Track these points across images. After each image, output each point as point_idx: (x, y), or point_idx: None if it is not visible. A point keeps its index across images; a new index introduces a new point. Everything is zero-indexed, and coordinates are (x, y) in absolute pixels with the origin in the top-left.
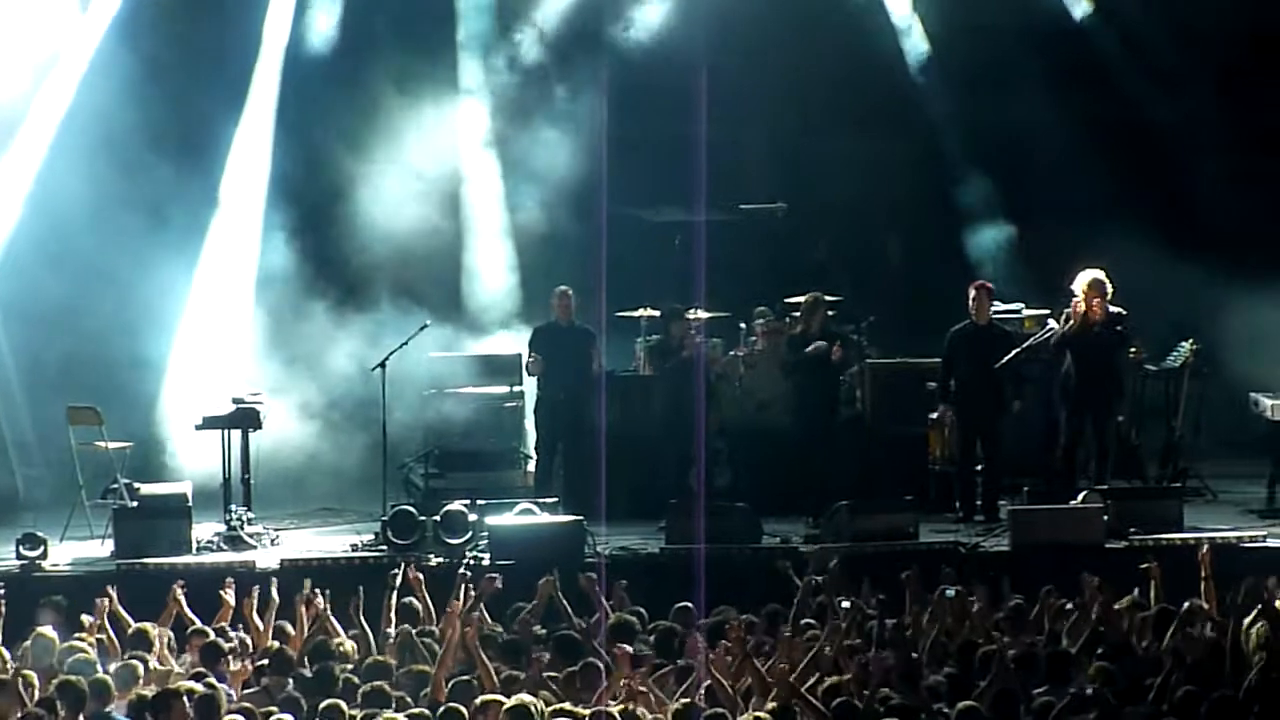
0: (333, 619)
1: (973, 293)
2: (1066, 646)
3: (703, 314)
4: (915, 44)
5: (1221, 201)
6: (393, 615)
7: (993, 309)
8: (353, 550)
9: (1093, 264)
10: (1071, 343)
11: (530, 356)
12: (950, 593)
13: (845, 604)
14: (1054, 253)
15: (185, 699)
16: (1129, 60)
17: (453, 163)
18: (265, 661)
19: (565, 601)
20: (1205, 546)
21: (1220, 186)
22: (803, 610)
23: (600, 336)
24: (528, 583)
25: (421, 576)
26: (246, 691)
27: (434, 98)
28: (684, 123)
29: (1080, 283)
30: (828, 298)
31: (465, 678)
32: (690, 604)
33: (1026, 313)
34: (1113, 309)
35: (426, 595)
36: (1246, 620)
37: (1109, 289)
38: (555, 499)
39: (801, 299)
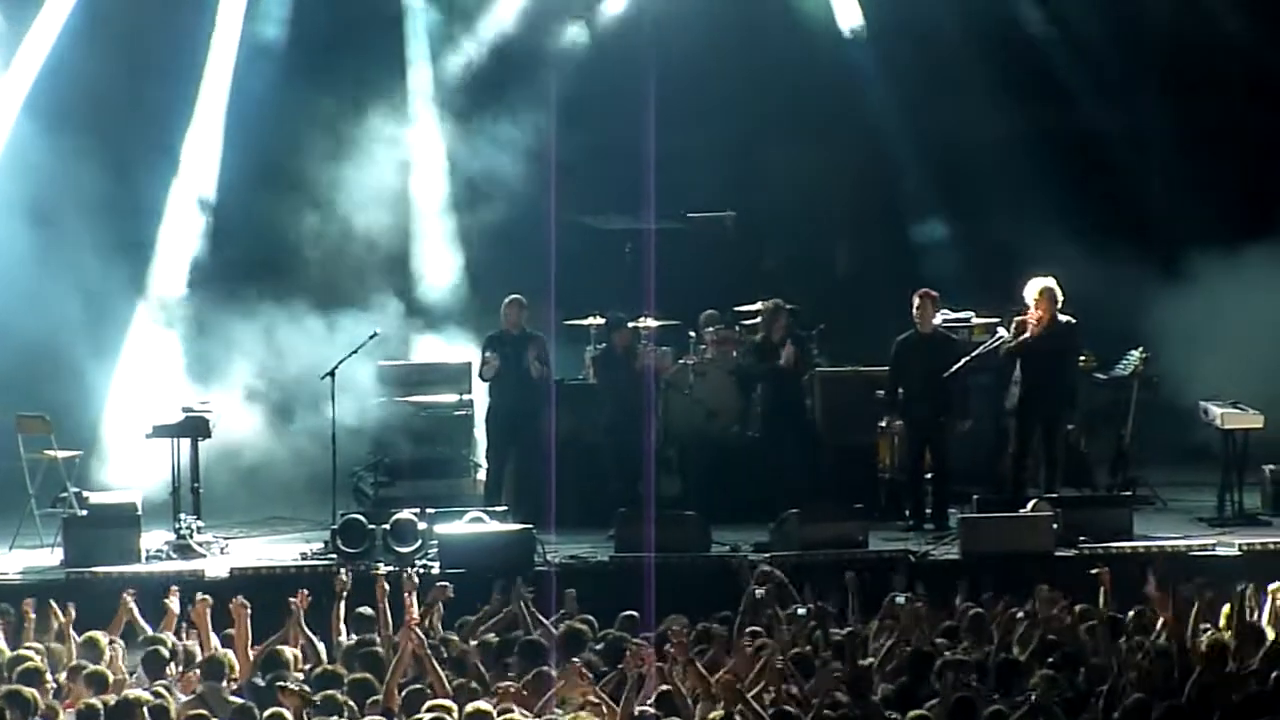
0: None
1: (918, 301)
2: (1017, 655)
3: (651, 322)
4: (862, 50)
5: (1170, 207)
6: (343, 624)
7: (942, 317)
8: (302, 559)
9: (1043, 272)
10: (1022, 351)
11: (486, 356)
12: (900, 600)
13: (801, 610)
14: (1003, 260)
15: (144, 709)
16: (1075, 65)
17: (403, 169)
18: (210, 669)
19: (529, 610)
20: (1156, 557)
21: (1170, 192)
22: (745, 620)
23: (551, 343)
24: (478, 591)
25: (388, 587)
26: (189, 699)
27: (384, 103)
28: (632, 131)
29: (1031, 291)
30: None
31: (417, 686)
32: (635, 613)
33: (975, 321)
34: (1063, 318)
35: (387, 606)
36: (1198, 628)
37: (1059, 297)
38: (505, 507)
39: (752, 307)
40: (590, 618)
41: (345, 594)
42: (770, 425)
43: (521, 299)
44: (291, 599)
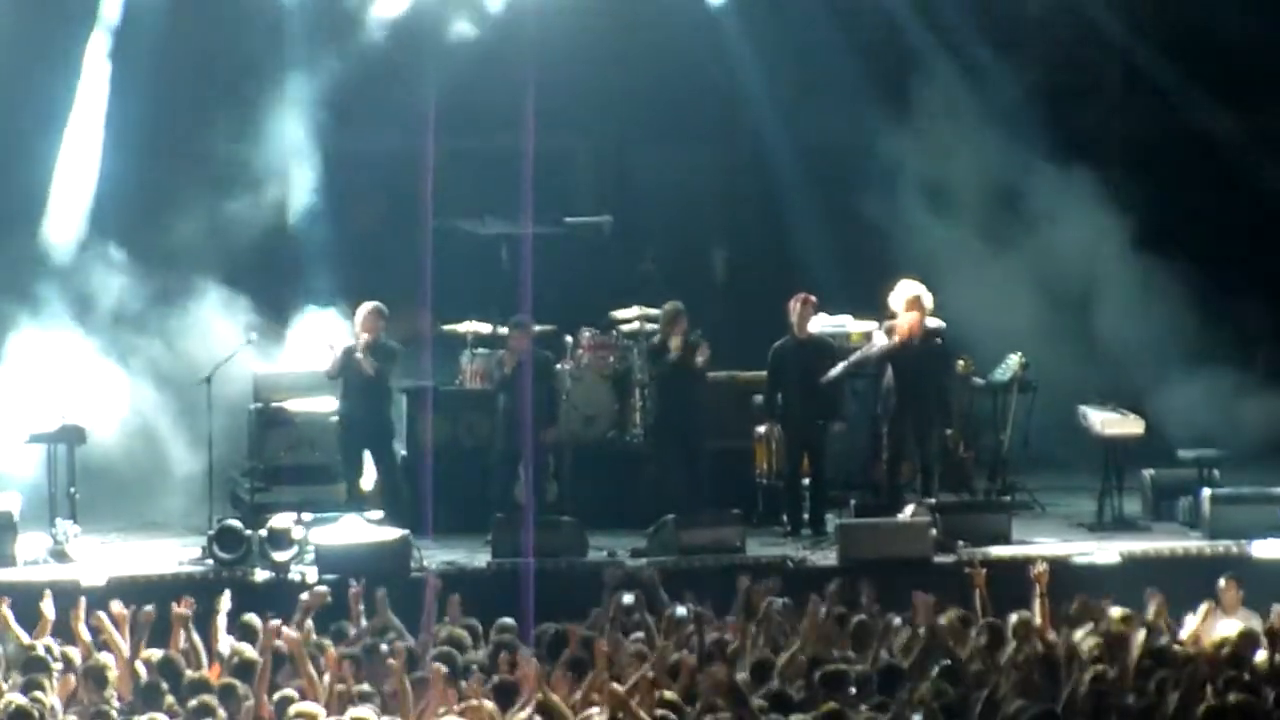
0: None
1: (795, 306)
2: (898, 662)
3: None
4: (738, 51)
5: (1048, 208)
6: (220, 635)
7: (819, 322)
8: (179, 565)
9: (914, 276)
10: (892, 357)
11: (331, 352)
12: (778, 605)
13: (681, 610)
14: (879, 265)
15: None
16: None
17: (279, 171)
18: (91, 676)
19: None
20: (1040, 564)
21: (1052, 192)
22: (611, 625)
23: (427, 350)
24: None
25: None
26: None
27: (260, 101)
28: (510, 135)
29: (897, 297)
30: (653, 311)
31: (289, 692)
32: (511, 619)
33: (852, 326)
34: (931, 323)
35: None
36: (1078, 634)
37: (927, 302)
38: (382, 513)
39: (630, 312)
40: (474, 622)
41: (222, 609)
42: (657, 429)
43: (380, 307)
44: (176, 604)
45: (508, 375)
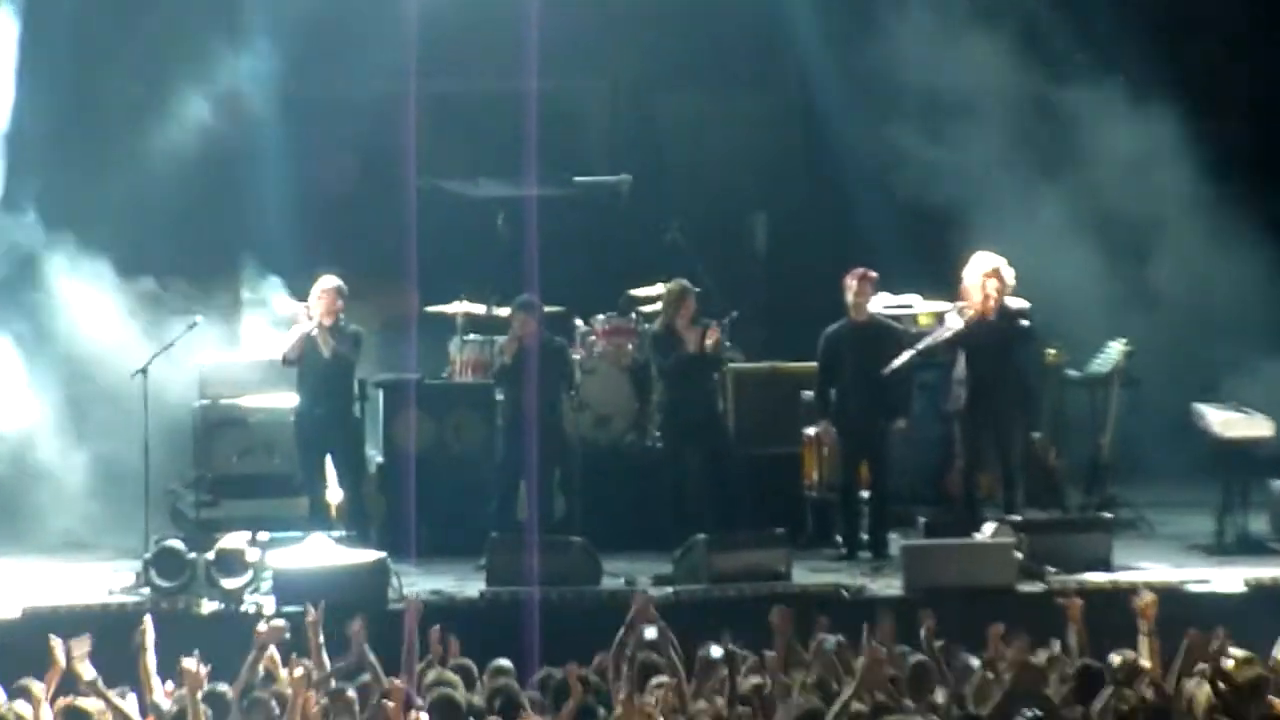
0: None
1: (852, 283)
2: (974, 710)
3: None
4: None
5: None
6: (153, 681)
7: (881, 302)
8: (109, 595)
9: (994, 248)
10: (964, 341)
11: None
12: (831, 644)
13: (716, 651)
14: (956, 236)
15: None
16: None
17: (230, 122)
18: None
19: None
20: (1147, 594)
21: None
22: (628, 665)
23: (409, 336)
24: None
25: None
26: None
27: (207, 36)
28: (508, 78)
29: (972, 270)
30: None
31: None
32: (508, 660)
33: (921, 306)
34: (1013, 302)
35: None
36: (1193, 680)
37: (1009, 277)
38: (353, 531)
39: (651, 290)
40: (467, 663)
41: (147, 646)
42: (673, 433)
43: (336, 284)
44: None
45: (509, 365)
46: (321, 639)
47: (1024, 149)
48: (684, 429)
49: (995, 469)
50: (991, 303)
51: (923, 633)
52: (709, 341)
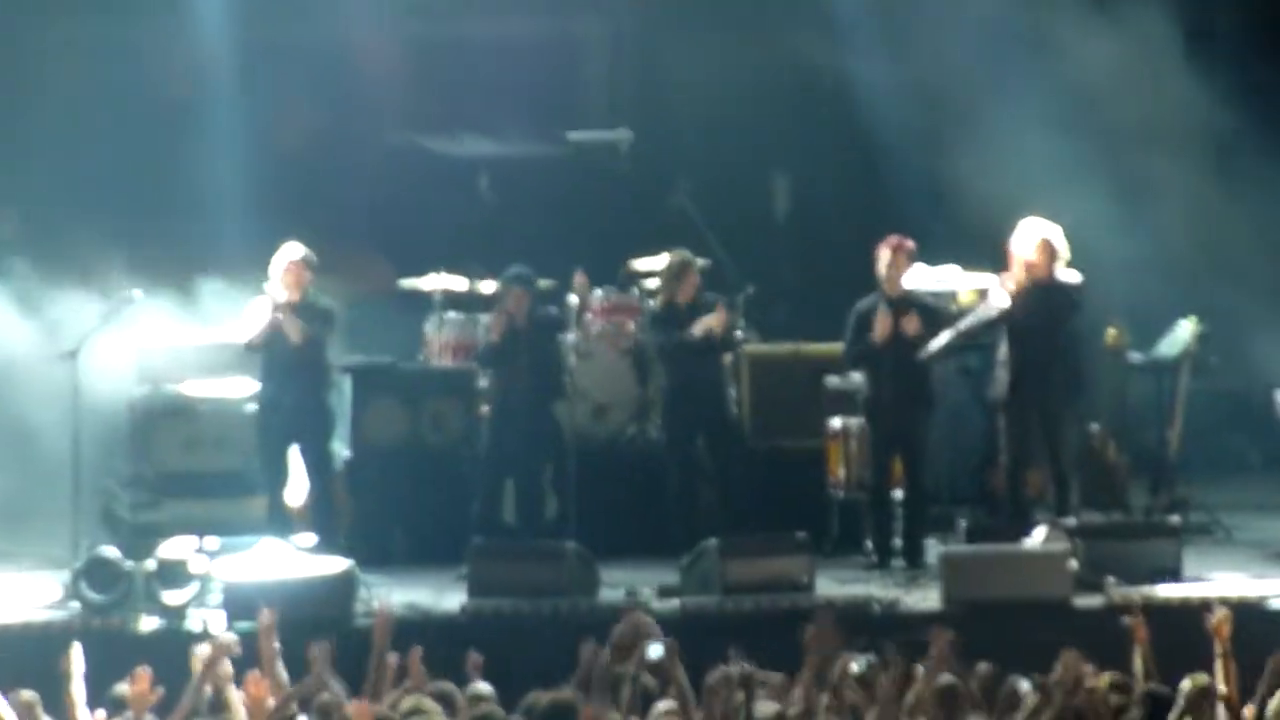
0: None
1: (885, 254)
2: None
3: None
4: None
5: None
6: (78, 714)
7: (916, 275)
8: (32, 612)
9: (1042, 215)
10: (1009, 321)
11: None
12: (857, 665)
13: (733, 670)
14: (1002, 203)
15: None
16: None
17: (175, 70)
18: None
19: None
20: (1221, 610)
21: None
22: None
23: (381, 314)
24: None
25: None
26: None
27: None
28: (493, 19)
29: (1022, 240)
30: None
31: None
32: (488, 686)
33: (962, 281)
34: (1064, 274)
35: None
36: (1273, 705)
37: (1061, 248)
38: (315, 537)
39: (654, 261)
40: (448, 686)
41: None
42: (676, 425)
43: (307, 255)
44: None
45: (496, 346)
46: (277, 646)
47: (1083, 105)
48: (688, 420)
49: (1045, 465)
50: (1036, 275)
51: (933, 652)
52: (716, 322)
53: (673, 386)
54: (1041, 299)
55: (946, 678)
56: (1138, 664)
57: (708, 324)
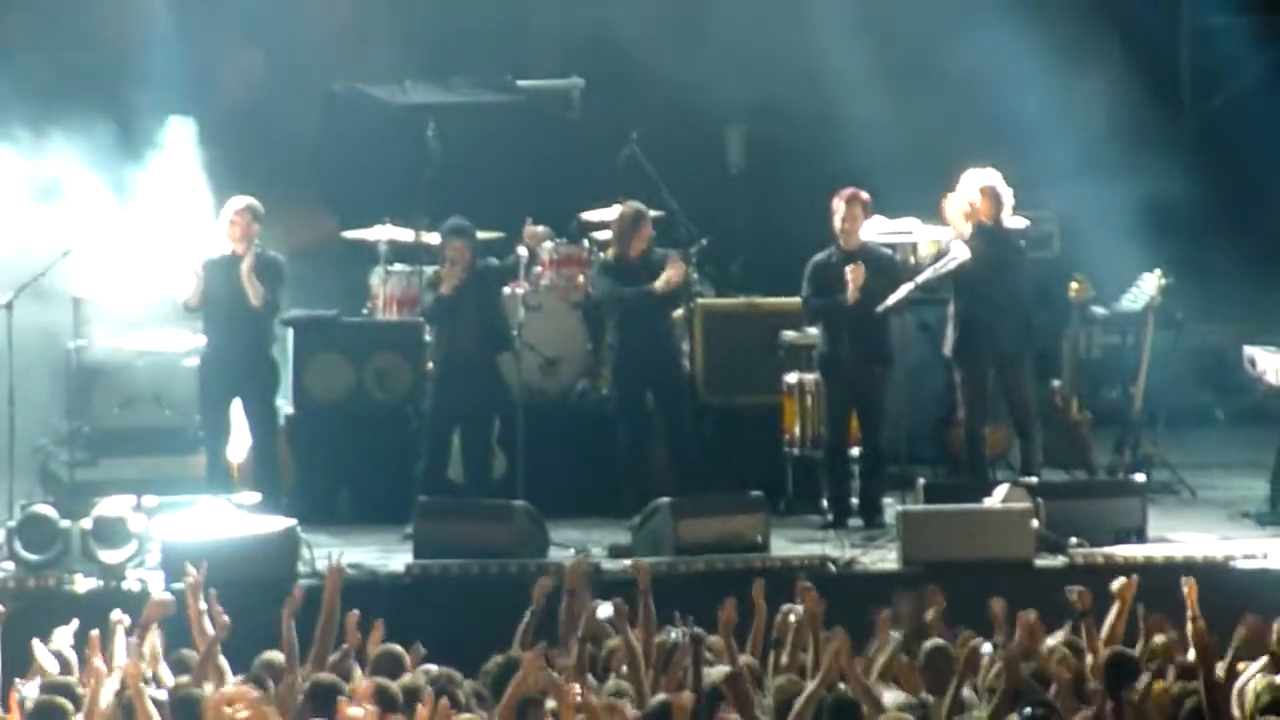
0: None
1: (840, 206)
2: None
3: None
4: None
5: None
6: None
7: (873, 228)
8: None
9: (987, 164)
10: (958, 273)
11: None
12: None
13: (674, 633)
14: (962, 151)
15: None
16: None
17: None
18: None
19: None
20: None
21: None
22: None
23: (324, 266)
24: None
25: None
26: None
27: None
28: None
29: (962, 188)
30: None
31: None
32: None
33: (922, 233)
34: (1011, 221)
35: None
36: (1244, 677)
37: (1005, 196)
38: (258, 495)
39: (606, 213)
40: (395, 649)
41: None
42: (624, 380)
43: (253, 205)
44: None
45: (447, 299)
46: (203, 606)
47: (1044, 49)
48: (637, 376)
49: (1005, 421)
50: (980, 218)
51: (929, 616)
52: (675, 275)
53: (622, 342)
54: (986, 246)
55: (935, 641)
56: (1109, 624)
57: (669, 278)
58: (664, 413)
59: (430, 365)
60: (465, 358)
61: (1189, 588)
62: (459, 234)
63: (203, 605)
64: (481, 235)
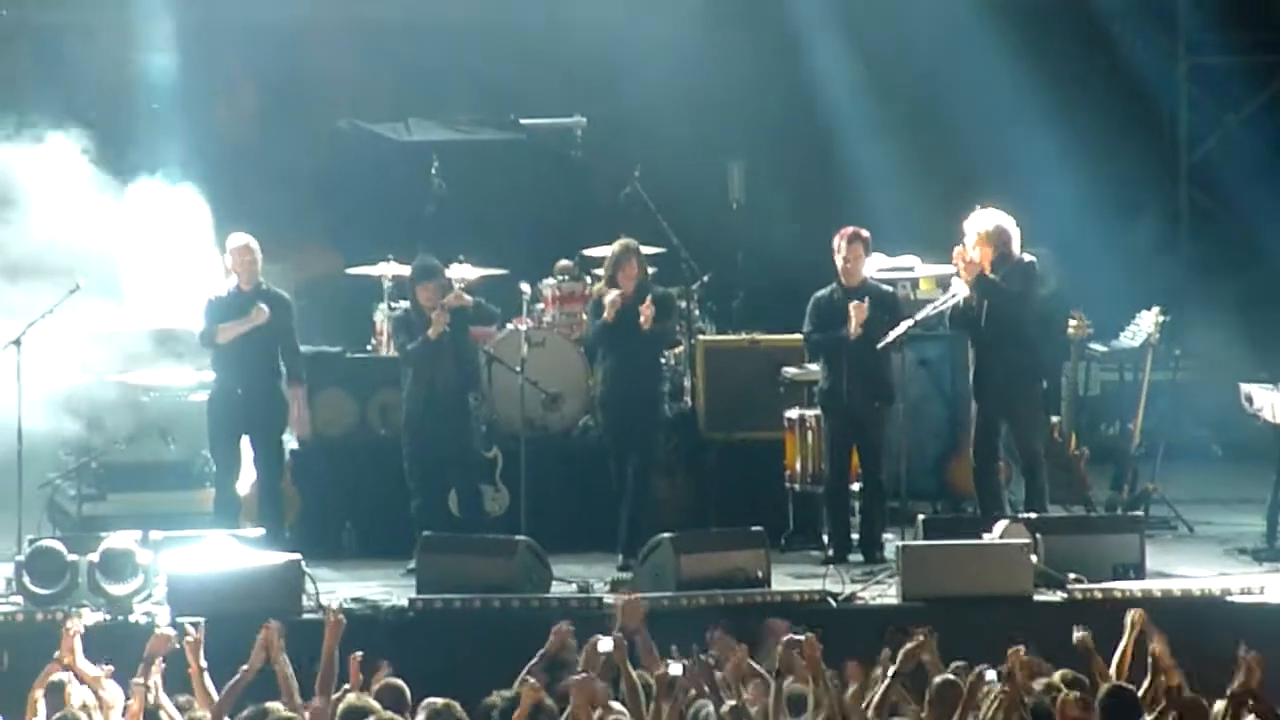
0: None
1: (841, 244)
2: None
3: (467, 272)
4: None
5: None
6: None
7: (874, 265)
8: None
9: (997, 204)
10: (962, 310)
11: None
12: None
13: (675, 669)
14: (965, 190)
15: None
16: None
17: (118, 51)
18: None
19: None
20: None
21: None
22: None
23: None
24: (224, 646)
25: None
26: None
27: None
28: (446, 4)
29: (971, 227)
30: (645, 248)
31: None
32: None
33: (923, 270)
34: (1014, 259)
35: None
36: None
37: (1014, 236)
38: (263, 530)
39: (608, 250)
40: (398, 683)
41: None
42: (607, 416)
43: (250, 242)
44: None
45: (433, 343)
46: (204, 664)
47: (1043, 87)
48: (615, 413)
49: (1010, 458)
50: (985, 265)
51: (925, 658)
52: (642, 318)
53: (602, 379)
54: (992, 285)
55: (944, 675)
56: (1115, 658)
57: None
58: (635, 455)
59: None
60: (448, 398)
61: (1135, 616)
62: (430, 276)
63: (204, 663)
64: (485, 272)
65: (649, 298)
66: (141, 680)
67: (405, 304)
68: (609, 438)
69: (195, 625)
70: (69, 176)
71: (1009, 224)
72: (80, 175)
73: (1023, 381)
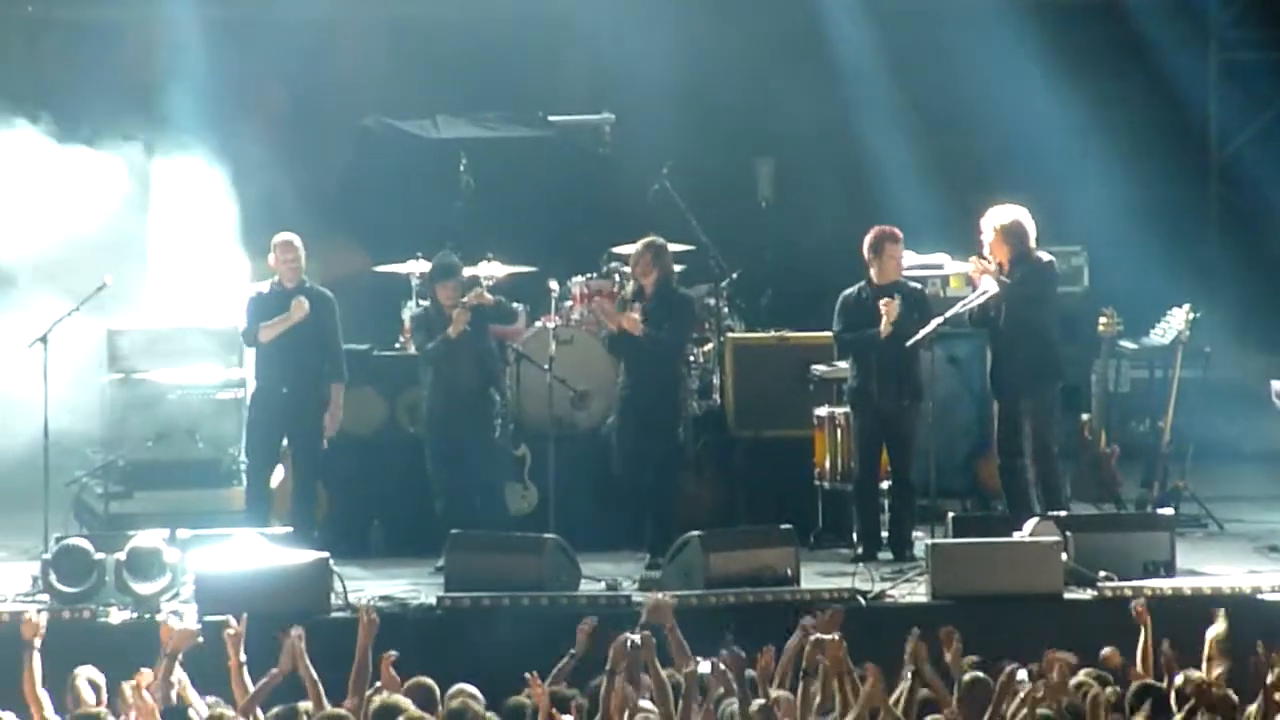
0: None
1: (872, 240)
2: None
3: (495, 269)
4: None
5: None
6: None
7: (906, 263)
8: (1, 602)
9: (1017, 200)
10: (986, 310)
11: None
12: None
13: (704, 667)
14: (990, 188)
15: None
16: None
17: (145, 48)
18: None
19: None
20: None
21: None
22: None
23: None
24: (253, 644)
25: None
26: None
27: None
28: (475, 1)
29: (987, 226)
30: (673, 246)
31: None
32: (468, 685)
33: (953, 267)
34: (1032, 257)
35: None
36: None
37: (1029, 231)
38: (292, 528)
39: (635, 247)
40: (427, 681)
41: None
42: (623, 416)
43: (294, 239)
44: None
45: (454, 341)
46: (244, 658)
47: (1074, 85)
48: (634, 418)
49: (1030, 459)
50: (1003, 264)
51: (948, 657)
52: (627, 324)
53: (622, 380)
54: (1006, 288)
55: (975, 673)
56: (1139, 654)
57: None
58: (655, 454)
59: (426, 406)
60: (469, 397)
61: (1139, 609)
62: (449, 274)
63: (243, 657)
64: (513, 269)
65: (636, 306)
66: (138, 682)
67: (426, 303)
68: (628, 439)
69: (237, 618)
70: (92, 173)
71: (1026, 220)
72: (104, 171)
73: (1038, 380)
